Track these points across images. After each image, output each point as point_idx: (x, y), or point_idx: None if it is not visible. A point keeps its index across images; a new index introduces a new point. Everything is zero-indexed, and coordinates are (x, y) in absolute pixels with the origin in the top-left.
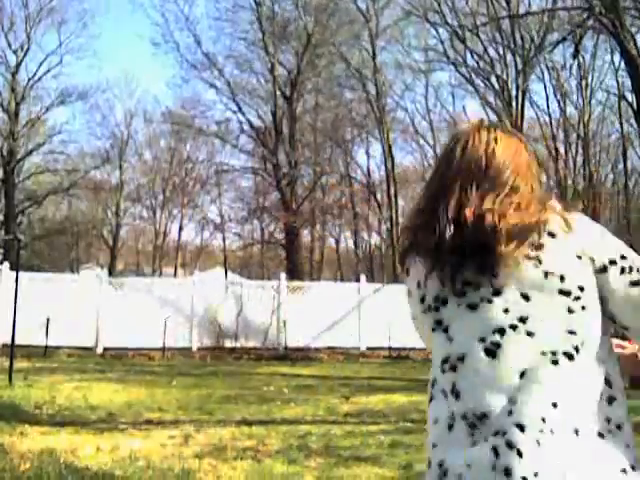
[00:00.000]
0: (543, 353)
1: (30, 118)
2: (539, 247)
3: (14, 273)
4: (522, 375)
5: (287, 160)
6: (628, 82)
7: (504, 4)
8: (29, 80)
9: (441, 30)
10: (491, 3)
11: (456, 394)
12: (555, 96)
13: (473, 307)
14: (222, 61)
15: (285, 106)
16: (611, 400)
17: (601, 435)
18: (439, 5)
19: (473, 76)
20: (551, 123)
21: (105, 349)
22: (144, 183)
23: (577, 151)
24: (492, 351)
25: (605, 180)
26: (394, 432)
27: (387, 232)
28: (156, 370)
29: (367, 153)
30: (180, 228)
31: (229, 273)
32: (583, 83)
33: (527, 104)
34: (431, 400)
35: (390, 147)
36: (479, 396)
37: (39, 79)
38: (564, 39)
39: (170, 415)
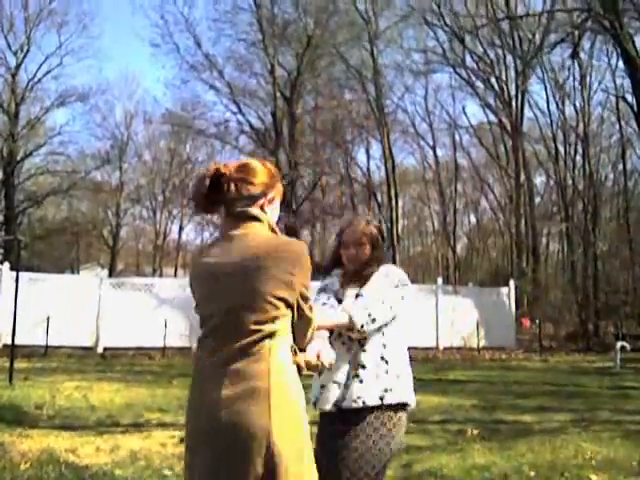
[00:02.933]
0: None
1: (30, 119)
2: None
3: (14, 273)
4: None
5: (287, 161)
6: (627, 83)
7: (503, 6)
8: (29, 81)
9: (440, 32)
10: (490, 5)
11: None
12: (554, 97)
13: None
14: (222, 62)
15: (285, 107)
16: None
17: None
18: (438, 7)
19: (473, 77)
20: (551, 124)
21: (105, 349)
22: (144, 184)
23: (577, 151)
24: None
25: (605, 180)
26: None
27: (387, 233)
28: (156, 370)
29: (367, 154)
30: (180, 228)
31: None
32: (582, 84)
33: (527, 105)
34: None
35: (390, 148)
36: None
37: (39, 80)
38: (563, 40)
39: (170, 415)
